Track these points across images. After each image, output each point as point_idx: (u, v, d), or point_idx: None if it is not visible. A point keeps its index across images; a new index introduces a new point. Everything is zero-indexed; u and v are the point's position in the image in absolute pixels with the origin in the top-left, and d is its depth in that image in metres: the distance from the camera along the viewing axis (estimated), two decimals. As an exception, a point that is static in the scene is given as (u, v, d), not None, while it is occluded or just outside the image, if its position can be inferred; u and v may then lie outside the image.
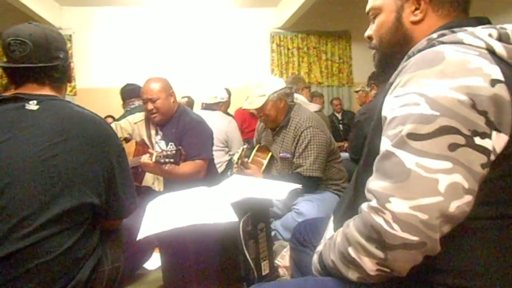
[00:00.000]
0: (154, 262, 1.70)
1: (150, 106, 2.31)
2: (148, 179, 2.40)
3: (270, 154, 2.24)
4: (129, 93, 3.35)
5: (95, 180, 1.22)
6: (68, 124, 1.20)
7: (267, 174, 2.21)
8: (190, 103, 4.86)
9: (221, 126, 3.45)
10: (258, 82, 2.23)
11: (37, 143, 1.14)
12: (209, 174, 2.43)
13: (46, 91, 1.26)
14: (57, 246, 1.10)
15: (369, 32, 1.02)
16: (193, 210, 1.30)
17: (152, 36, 6.25)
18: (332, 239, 0.90)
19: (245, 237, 1.43)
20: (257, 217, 1.48)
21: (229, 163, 3.68)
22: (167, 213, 1.31)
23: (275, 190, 1.47)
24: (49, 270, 1.08)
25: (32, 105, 1.19)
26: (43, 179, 1.11)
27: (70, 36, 6.10)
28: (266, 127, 2.34)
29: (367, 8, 1.00)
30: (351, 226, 0.81)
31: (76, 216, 1.16)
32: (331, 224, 1.13)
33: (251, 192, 1.44)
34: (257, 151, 2.29)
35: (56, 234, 1.10)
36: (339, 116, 6.15)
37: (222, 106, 4.01)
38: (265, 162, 2.20)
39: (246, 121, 5.87)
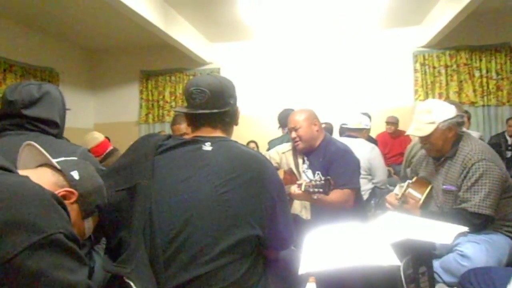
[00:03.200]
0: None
1: (293, 134, 2.43)
2: (296, 207, 2.47)
3: (429, 187, 2.07)
4: (286, 118, 3.51)
5: (260, 213, 1.30)
6: (236, 163, 1.31)
7: (425, 209, 2.05)
8: (329, 129, 4.87)
9: (364, 153, 3.36)
10: (427, 107, 2.07)
11: (212, 180, 1.27)
12: (356, 203, 2.39)
13: (218, 133, 1.41)
14: (231, 274, 1.20)
15: None
16: (354, 249, 1.28)
17: (292, 63, 6.52)
18: None
19: (406, 280, 1.35)
20: (419, 260, 1.39)
21: (372, 191, 3.55)
22: (327, 250, 1.32)
23: (439, 233, 1.37)
24: None
25: (207, 146, 1.34)
26: (218, 213, 1.23)
27: (219, 69, 6.78)
28: (428, 155, 2.17)
29: None
30: None
31: (245, 247, 1.25)
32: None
33: (412, 233, 1.36)
34: (413, 183, 2.14)
35: (230, 263, 1.20)
36: (509, 140, 5.30)
37: (365, 133, 3.91)
38: (423, 197, 2.04)
39: (387, 146, 5.63)
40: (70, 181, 1.00)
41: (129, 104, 7.00)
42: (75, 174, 1.02)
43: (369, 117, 4.17)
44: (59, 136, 1.64)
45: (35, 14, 5.10)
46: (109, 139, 3.57)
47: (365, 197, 3.38)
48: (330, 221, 2.25)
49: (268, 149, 3.06)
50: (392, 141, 5.73)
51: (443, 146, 2.02)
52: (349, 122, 3.70)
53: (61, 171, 1.00)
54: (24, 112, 1.50)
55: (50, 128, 1.57)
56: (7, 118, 1.52)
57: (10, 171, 0.84)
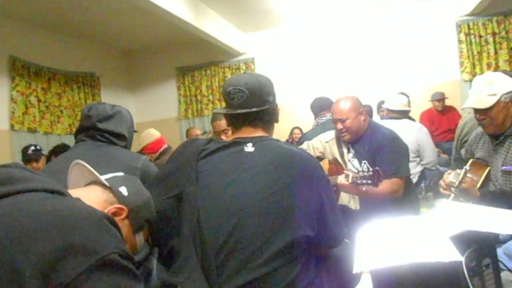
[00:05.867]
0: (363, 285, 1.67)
1: (339, 125, 2.32)
2: (344, 197, 2.41)
3: (486, 170, 1.93)
4: (320, 107, 3.45)
5: (308, 213, 1.27)
6: (280, 162, 1.28)
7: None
8: (369, 111, 4.71)
9: (411, 135, 3.22)
10: (487, 79, 1.92)
11: (257, 182, 1.25)
12: (407, 191, 2.29)
13: (259, 133, 1.39)
14: (284, 277, 1.18)
15: None
16: (411, 245, 1.22)
17: (327, 45, 6.34)
18: None
19: (468, 274, 1.28)
20: (482, 252, 1.31)
21: (422, 174, 3.41)
22: (382, 246, 1.27)
23: (503, 222, 1.27)
24: None
25: (249, 147, 1.32)
26: (266, 216, 1.21)
27: (253, 59, 6.72)
28: (486, 132, 2.03)
29: None
30: None
31: (296, 249, 1.22)
32: None
33: (473, 224, 1.28)
34: (469, 166, 2.01)
35: (282, 266, 1.18)
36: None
37: (408, 113, 3.74)
38: (481, 180, 1.90)
39: (434, 123, 5.38)
40: (120, 197, 1.02)
41: (168, 101, 7.12)
42: (124, 190, 1.03)
43: (407, 96, 3.98)
44: (126, 148, 1.87)
45: (72, 22, 5.27)
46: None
47: (414, 180, 3.25)
48: (380, 210, 2.20)
49: (301, 143, 2.95)
50: (440, 117, 5.46)
51: (503, 122, 1.87)
52: (392, 104, 3.55)
53: (110, 188, 1.02)
54: (98, 125, 1.74)
55: (119, 140, 1.80)
56: (83, 131, 1.78)
57: (62, 194, 0.86)
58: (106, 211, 0.96)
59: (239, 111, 1.36)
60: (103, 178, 1.04)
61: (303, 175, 1.29)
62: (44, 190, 0.83)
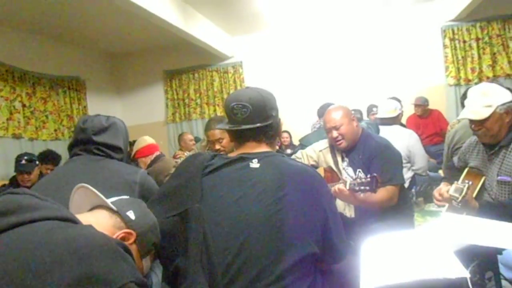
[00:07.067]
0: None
1: (334, 133, 2.33)
2: (339, 205, 2.41)
3: (482, 180, 1.97)
4: (321, 111, 3.46)
5: (314, 229, 1.27)
6: (286, 178, 1.27)
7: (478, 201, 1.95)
8: (359, 117, 4.75)
9: (402, 141, 3.26)
10: (482, 90, 1.95)
11: (263, 199, 1.23)
12: (401, 198, 2.31)
13: (263, 148, 1.38)
14: None
15: None
16: (416, 260, 1.23)
17: (315, 50, 6.38)
18: None
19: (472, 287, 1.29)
20: (485, 265, 1.33)
21: (412, 179, 3.46)
22: (388, 262, 1.27)
23: (506, 236, 1.29)
24: None
25: (255, 163, 1.30)
26: (273, 234, 1.19)
27: (241, 62, 6.71)
28: (481, 141, 2.06)
29: None
30: None
31: (304, 267, 1.21)
32: None
33: (476, 238, 1.29)
34: (465, 175, 2.03)
35: (291, 284, 1.17)
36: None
37: (399, 118, 3.78)
38: (476, 190, 1.93)
39: (420, 128, 5.45)
40: (127, 222, 0.99)
41: (156, 104, 7.05)
42: (131, 214, 1.00)
43: (399, 100, 4.03)
44: (122, 161, 1.82)
45: (57, 25, 5.16)
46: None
47: (405, 185, 3.29)
48: (375, 218, 2.21)
49: (299, 144, 2.96)
50: (425, 121, 5.55)
51: (498, 132, 1.90)
52: (382, 112, 3.58)
53: (117, 212, 0.99)
54: (94, 138, 1.69)
55: (115, 153, 1.75)
56: (79, 144, 1.72)
57: (74, 221, 0.83)
58: (114, 236, 0.94)
59: (243, 126, 1.35)
60: (109, 201, 1.01)
61: (309, 192, 1.28)
62: (55, 218, 0.80)
